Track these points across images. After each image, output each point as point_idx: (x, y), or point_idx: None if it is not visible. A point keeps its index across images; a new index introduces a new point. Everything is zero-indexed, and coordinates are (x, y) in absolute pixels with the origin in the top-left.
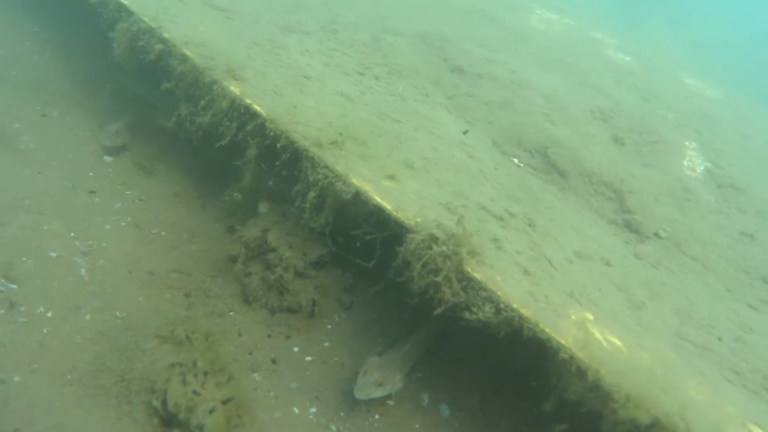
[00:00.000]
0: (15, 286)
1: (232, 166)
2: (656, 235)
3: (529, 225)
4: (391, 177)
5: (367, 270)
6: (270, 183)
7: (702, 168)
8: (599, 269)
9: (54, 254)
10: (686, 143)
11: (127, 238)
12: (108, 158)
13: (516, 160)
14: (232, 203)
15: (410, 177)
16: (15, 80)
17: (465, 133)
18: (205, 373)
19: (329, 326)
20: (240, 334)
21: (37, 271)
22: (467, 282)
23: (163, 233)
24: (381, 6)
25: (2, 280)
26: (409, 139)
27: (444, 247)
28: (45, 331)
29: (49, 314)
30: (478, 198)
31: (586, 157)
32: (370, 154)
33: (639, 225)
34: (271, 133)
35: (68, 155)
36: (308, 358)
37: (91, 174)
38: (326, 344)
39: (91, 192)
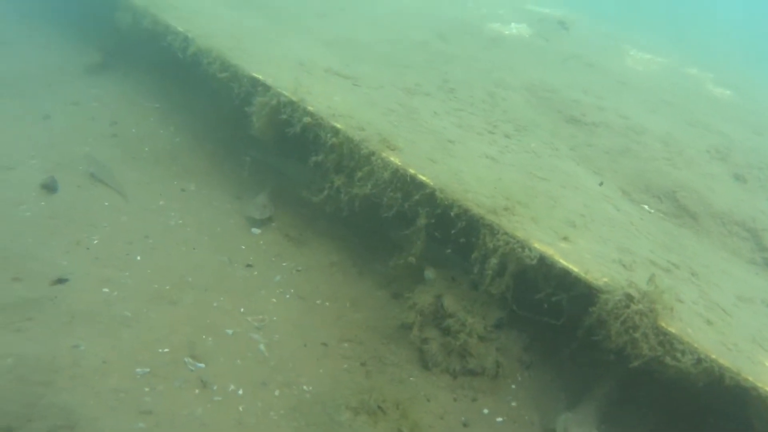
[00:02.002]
0: (203, 365)
1: (381, 233)
2: None
3: (692, 274)
4: (565, 238)
5: (543, 328)
6: (448, 251)
7: None
8: (764, 312)
9: (230, 331)
10: None
11: (293, 310)
12: (256, 230)
13: (646, 207)
14: (395, 270)
15: (578, 236)
16: (148, 156)
17: (600, 185)
18: None
19: (513, 386)
20: (428, 400)
21: (219, 348)
22: (663, 336)
23: (327, 303)
24: (481, 60)
25: (191, 360)
26: (560, 197)
27: (640, 305)
28: (241, 408)
29: (240, 392)
30: (641, 251)
31: (713, 198)
32: (537, 217)
33: None
34: (444, 203)
35: (216, 229)
36: (499, 419)
37: (243, 247)
38: (513, 404)
39: (248, 265)
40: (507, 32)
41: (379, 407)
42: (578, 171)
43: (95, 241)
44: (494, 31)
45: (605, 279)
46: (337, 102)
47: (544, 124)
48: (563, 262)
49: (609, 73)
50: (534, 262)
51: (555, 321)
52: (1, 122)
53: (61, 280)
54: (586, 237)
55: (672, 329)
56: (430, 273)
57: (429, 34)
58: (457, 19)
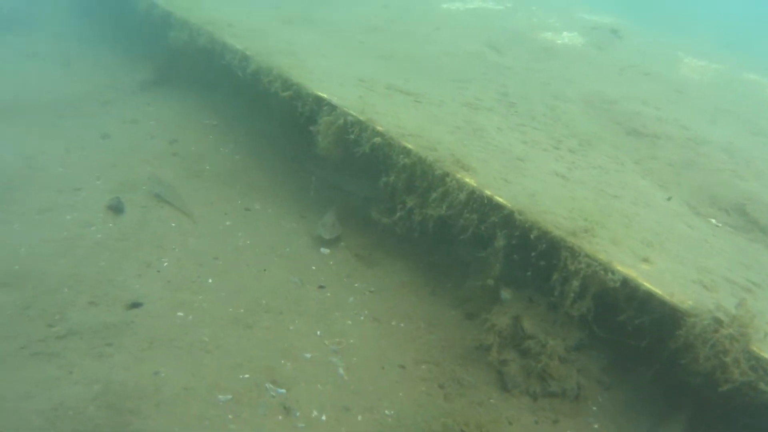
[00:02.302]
0: (284, 391)
1: (451, 252)
2: None
3: None
4: (646, 260)
5: (623, 349)
6: (528, 274)
7: None
8: None
9: (309, 355)
10: None
11: (369, 332)
12: (325, 250)
13: (713, 221)
14: (470, 290)
15: (656, 256)
16: (210, 175)
17: (669, 200)
18: None
19: (594, 407)
20: (510, 423)
21: (298, 373)
22: (756, 361)
23: (402, 324)
24: (537, 71)
25: (271, 385)
26: (633, 215)
27: (730, 330)
28: None
29: (324, 417)
30: (719, 270)
31: None
32: (616, 238)
33: None
34: (524, 225)
35: (285, 249)
36: None
37: (313, 268)
38: (596, 426)
39: (321, 287)
40: (560, 42)
41: (462, 431)
42: (646, 186)
43: (165, 264)
44: (547, 41)
45: (689, 302)
46: (403, 120)
47: (606, 138)
48: (647, 285)
49: (665, 82)
50: (617, 284)
51: (637, 343)
52: (65, 142)
53: (135, 305)
54: (665, 257)
55: (765, 354)
56: (506, 293)
57: (482, 45)
58: (509, 29)
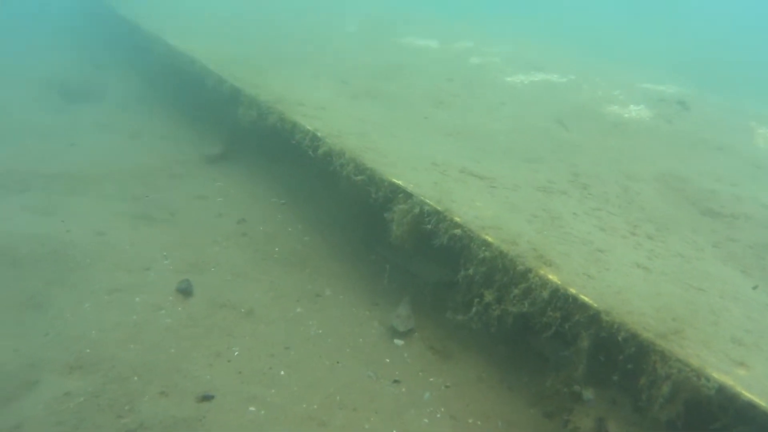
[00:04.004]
0: None
1: (528, 344)
2: None
3: None
4: (742, 363)
5: None
6: (614, 378)
7: None
8: None
9: None
10: None
11: None
12: (399, 342)
13: None
14: (551, 389)
15: (752, 359)
16: (279, 257)
17: (755, 289)
18: None
19: None
20: None
21: None
22: None
23: (479, 422)
24: (606, 149)
25: None
26: (721, 309)
27: None
28: None
29: None
30: None
31: None
32: (707, 339)
33: None
34: (611, 326)
35: (358, 340)
36: None
37: (387, 360)
38: None
39: (396, 381)
40: (627, 115)
41: None
42: (730, 275)
43: (236, 353)
44: (614, 115)
45: None
46: (479, 208)
47: (682, 220)
48: (748, 395)
49: (740, 156)
50: (712, 392)
51: None
52: (133, 217)
53: (207, 397)
54: (761, 359)
55: None
56: (588, 393)
57: (549, 120)
58: (575, 103)
